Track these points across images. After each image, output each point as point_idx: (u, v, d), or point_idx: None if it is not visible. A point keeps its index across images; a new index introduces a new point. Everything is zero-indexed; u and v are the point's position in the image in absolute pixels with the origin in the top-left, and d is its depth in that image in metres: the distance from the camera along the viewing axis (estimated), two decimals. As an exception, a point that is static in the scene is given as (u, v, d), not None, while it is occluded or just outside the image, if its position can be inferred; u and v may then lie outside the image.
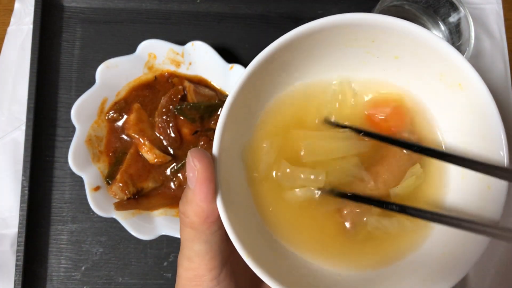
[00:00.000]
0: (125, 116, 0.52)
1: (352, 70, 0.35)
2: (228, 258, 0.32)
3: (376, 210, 0.33)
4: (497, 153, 0.30)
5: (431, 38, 0.29)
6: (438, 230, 0.33)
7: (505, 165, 0.29)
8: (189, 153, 0.28)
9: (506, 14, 0.62)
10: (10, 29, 0.59)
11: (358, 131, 0.33)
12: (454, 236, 0.31)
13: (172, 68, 0.54)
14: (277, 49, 0.32)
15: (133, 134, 0.51)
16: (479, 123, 0.31)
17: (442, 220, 0.29)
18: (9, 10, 0.60)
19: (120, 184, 0.49)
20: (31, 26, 0.56)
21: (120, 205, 0.49)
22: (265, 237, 0.33)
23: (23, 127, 0.55)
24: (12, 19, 0.60)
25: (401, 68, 0.33)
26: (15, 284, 0.51)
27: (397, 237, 0.33)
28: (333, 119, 0.34)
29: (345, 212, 0.33)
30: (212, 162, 0.28)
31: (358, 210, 0.33)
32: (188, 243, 0.31)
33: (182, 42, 0.51)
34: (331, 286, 0.32)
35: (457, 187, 0.33)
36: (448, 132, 0.34)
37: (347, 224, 0.33)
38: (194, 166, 0.28)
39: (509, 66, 0.61)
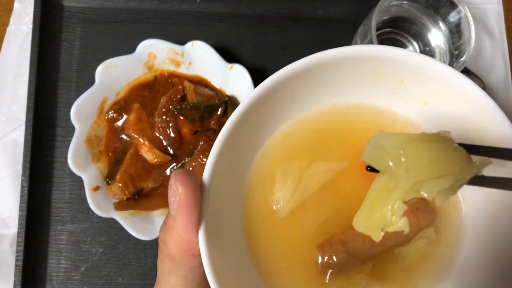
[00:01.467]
0: (125, 116, 0.52)
1: (374, 109, 0.31)
2: None
3: (367, 268, 0.30)
4: None
5: (479, 94, 0.26)
6: None
7: None
8: (172, 175, 0.25)
9: (506, 14, 0.62)
10: (9, 29, 0.59)
11: None
12: None
13: (172, 68, 0.53)
14: (298, 71, 0.27)
15: (132, 134, 0.51)
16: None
17: None
18: (9, 10, 0.60)
19: (120, 184, 0.49)
20: (31, 26, 0.56)
21: (120, 205, 0.49)
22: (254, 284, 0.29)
23: (23, 127, 0.55)
24: (11, 19, 0.59)
25: (430, 116, 0.30)
26: (14, 284, 0.51)
27: None
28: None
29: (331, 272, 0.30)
30: (198, 187, 0.25)
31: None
32: (165, 276, 0.27)
33: (182, 42, 0.51)
34: None
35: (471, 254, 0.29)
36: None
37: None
38: (176, 189, 0.24)
39: (509, 65, 0.61)
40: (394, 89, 0.29)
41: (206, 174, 0.26)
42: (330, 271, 0.30)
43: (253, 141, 0.31)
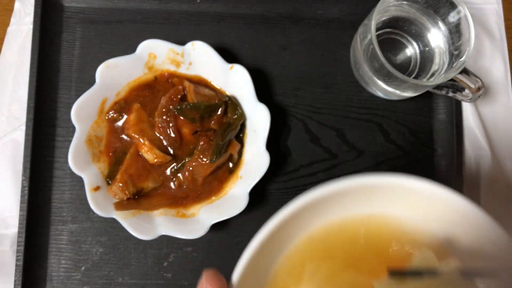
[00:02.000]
0: (125, 116, 0.52)
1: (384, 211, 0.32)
2: None
3: None
4: None
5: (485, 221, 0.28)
6: None
7: None
8: (203, 274, 0.27)
9: (506, 14, 0.62)
10: (10, 29, 0.59)
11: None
12: None
13: (172, 68, 0.54)
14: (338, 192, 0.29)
15: (133, 134, 0.51)
16: None
17: None
18: (9, 10, 0.60)
19: (120, 184, 0.49)
20: (31, 26, 0.56)
21: (120, 205, 0.49)
22: None
23: (23, 127, 0.55)
24: (12, 19, 0.60)
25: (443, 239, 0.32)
26: (15, 284, 0.51)
27: None
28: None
29: None
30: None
31: None
32: None
33: (182, 42, 0.51)
34: None
35: None
36: None
37: None
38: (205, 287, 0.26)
39: (509, 66, 0.61)
40: (426, 217, 0.31)
41: (236, 278, 0.27)
42: None
43: (279, 243, 0.32)
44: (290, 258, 0.32)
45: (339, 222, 0.33)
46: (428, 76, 0.55)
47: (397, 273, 0.29)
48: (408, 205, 0.31)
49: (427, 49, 0.55)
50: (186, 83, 0.52)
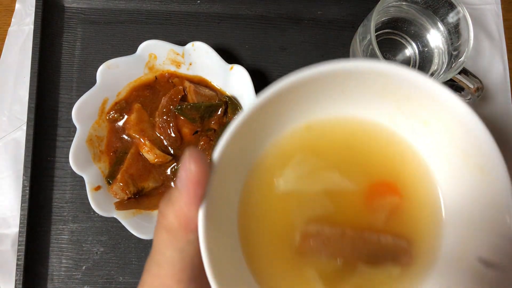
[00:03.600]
0: (126, 116, 0.53)
1: (375, 116, 0.32)
2: (198, 276, 0.29)
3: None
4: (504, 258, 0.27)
5: (470, 118, 0.27)
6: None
7: None
8: (187, 152, 0.26)
9: (505, 15, 0.63)
10: (11, 29, 0.59)
11: None
12: None
13: (172, 68, 0.54)
14: (310, 78, 0.29)
15: (133, 134, 0.52)
16: (494, 215, 0.28)
17: None
18: (10, 10, 0.60)
19: (121, 184, 0.49)
20: (32, 27, 0.56)
21: (121, 205, 0.49)
22: (243, 273, 0.30)
23: (24, 127, 0.55)
24: (13, 20, 0.60)
25: (428, 134, 0.31)
26: (16, 284, 0.51)
27: None
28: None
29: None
30: (208, 169, 0.26)
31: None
32: (160, 248, 0.28)
33: (182, 43, 0.52)
34: None
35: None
36: (454, 209, 0.31)
37: None
38: (189, 165, 0.26)
39: (508, 66, 0.61)
40: (400, 106, 0.31)
41: (216, 155, 0.27)
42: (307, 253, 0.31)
43: (274, 127, 0.32)
44: (278, 146, 0.33)
45: (327, 121, 0.33)
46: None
47: None
48: (396, 105, 0.30)
49: (426, 49, 0.56)
50: (187, 84, 0.53)
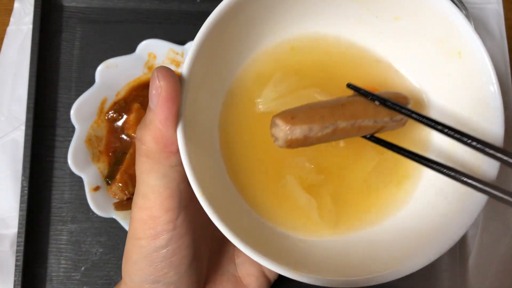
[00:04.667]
0: (125, 116, 0.52)
1: (347, 29, 0.33)
2: (187, 203, 0.28)
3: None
4: (492, 124, 0.28)
5: (445, 4, 0.27)
6: (425, 188, 0.31)
7: (502, 140, 0.28)
8: (154, 70, 0.25)
9: (506, 14, 0.62)
10: (9, 29, 0.59)
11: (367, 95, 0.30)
12: (445, 195, 0.30)
13: (172, 68, 0.53)
14: None
15: (133, 134, 0.51)
16: (474, 93, 0.29)
17: (433, 167, 0.27)
18: (9, 10, 0.60)
19: (120, 184, 0.49)
20: (31, 26, 0.56)
21: (120, 205, 0.49)
22: (229, 189, 0.31)
23: (23, 127, 0.55)
24: (11, 19, 0.59)
25: (399, 32, 0.31)
26: (14, 284, 0.51)
27: (381, 192, 0.32)
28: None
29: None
30: (179, 83, 0.25)
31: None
32: (143, 177, 0.27)
33: (182, 42, 0.51)
34: (292, 248, 0.30)
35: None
36: (438, 100, 0.32)
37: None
38: (158, 82, 0.25)
39: (509, 65, 0.61)
40: (367, 6, 0.31)
41: (185, 69, 0.26)
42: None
43: (249, 40, 0.32)
44: (256, 64, 0.32)
45: (301, 39, 0.33)
46: (428, 76, 0.54)
47: (355, 88, 0.30)
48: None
49: (427, 49, 0.55)
50: (186, 83, 0.52)
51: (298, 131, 0.27)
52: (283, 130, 0.27)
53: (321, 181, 0.32)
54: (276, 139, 0.28)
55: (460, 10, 0.48)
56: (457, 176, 0.27)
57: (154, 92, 0.25)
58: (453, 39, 0.28)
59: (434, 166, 0.28)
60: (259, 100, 0.33)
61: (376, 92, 0.29)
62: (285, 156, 0.32)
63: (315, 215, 0.32)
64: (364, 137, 0.30)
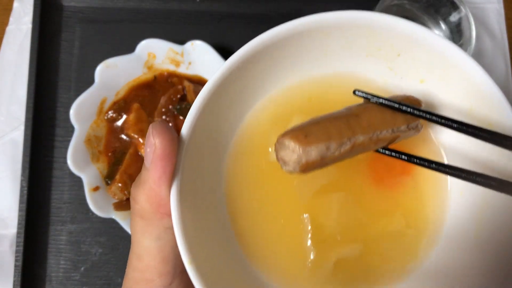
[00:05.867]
0: (125, 116, 0.52)
1: (366, 82, 0.29)
2: (183, 268, 0.26)
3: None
4: None
5: (469, 64, 0.24)
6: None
7: None
8: (150, 126, 0.24)
9: (507, 13, 0.62)
10: (9, 28, 0.59)
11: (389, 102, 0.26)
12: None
13: (171, 67, 0.53)
14: (284, 37, 0.25)
15: (132, 134, 0.51)
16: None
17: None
18: (8, 9, 0.60)
19: (120, 184, 0.49)
20: (30, 26, 0.56)
21: (119, 206, 0.49)
22: (234, 253, 0.27)
23: (22, 127, 0.55)
24: (11, 19, 0.59)
25: (424, 94, 0.28)
26: (14, 285, 0.51)
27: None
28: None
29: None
30: (176, 140, 0.24)
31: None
32: (138, 237, 0.25)
33: (181, 42, 0.51)
34: None
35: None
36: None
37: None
38: (153, 139, 0.23)
39: (510, 65, 0.61)
40: (390, 64, 0.28)
41: (185, 127, 0.24)
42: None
43: (249, 97, 0.29)
44: (268, 110, 0.29)
45: (318, 82, 0.30)
46: (429, 75, 0.54)
47: (364, 94, 0.26)
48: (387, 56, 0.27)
49: (428, 48, 0.55)
50: (186, 83, 0.52)
51: (315, 152, 0.23)
52: (296, 152, 0.22)
53: (352, 254, 0.28)
54: (284, 163, 0.23)
55: (462, 9, 0.49)
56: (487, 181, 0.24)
57: (148, 150, 0.24)
58: (484, 108, 0.25)
59: (463, 174, 0.24)
60: (273, 146, 0.29)
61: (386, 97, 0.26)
62: (305, 207, 0.28)
63: None
64: (378, 150, 0.26)
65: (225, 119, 0.28)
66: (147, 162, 0.24)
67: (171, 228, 0.24)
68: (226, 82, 0.25)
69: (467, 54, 0.25)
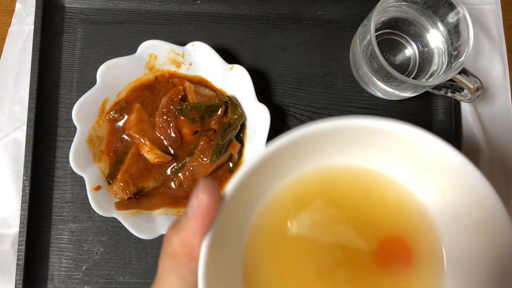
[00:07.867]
0: (126, 116, 0.53)
1: (390, 179, 0.32)
2: None
3: None
4: None
5: (491, 198, 0.25)
6: None
7: None
8: (201, 182, 0.27)
9: (505, 15, 0.63)
10: (11, 29, 0.60)
11: None
12: None
13: (172, 68, 0.54)
14: (323, 132, 0.28)
15: (133, 134, 0.52)
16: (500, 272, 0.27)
17: None
18: (10, 10, 0.60)
19: (121, 184, 0.49)
20: (32, 27, 0.56)
21: (121, 205, 0.49)
22: None
23: (24, 127, 0.55)
24: (13, 20, 0.60)
25: (441, 206, 0.30)
26: (16, 284, 0.51)
27: None
28: None
29: None
30: (219, 202, 0.27)
31: None
32: (164, 274, 0.28)
33: (182, 43, 0.52)
34: None
35: None
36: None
37: None
38: (202, 195, 0.26)
39: (507, 66, 0.61)
40: (418, 170, 0.30)
41: (229, 191, 0.27)
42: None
43: (287, 168, 0.31)
44: (292, 189, 0.32)
45: (344, 170, 0.32)
46: (427, 76, 0.55)
47: None
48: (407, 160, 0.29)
49: (426, 49, 0.56)
50: (187, 84, 0.53)
51: None
52: None
53: None
54: None
55: (460, 10, 0.49)
56: None
57: (195, 203, 0.26)
58: (493, 228, 0.26)
59: None
60: (293, 223, 0.31)
61: None
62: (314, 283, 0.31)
63: None
64: None
65: (257, 189, 0.31)
66: (191, 212, 0.26)
67: (195, 272, 0.26)
68: (261, 164, 0.28)
69: (492, 187, 0.26)
